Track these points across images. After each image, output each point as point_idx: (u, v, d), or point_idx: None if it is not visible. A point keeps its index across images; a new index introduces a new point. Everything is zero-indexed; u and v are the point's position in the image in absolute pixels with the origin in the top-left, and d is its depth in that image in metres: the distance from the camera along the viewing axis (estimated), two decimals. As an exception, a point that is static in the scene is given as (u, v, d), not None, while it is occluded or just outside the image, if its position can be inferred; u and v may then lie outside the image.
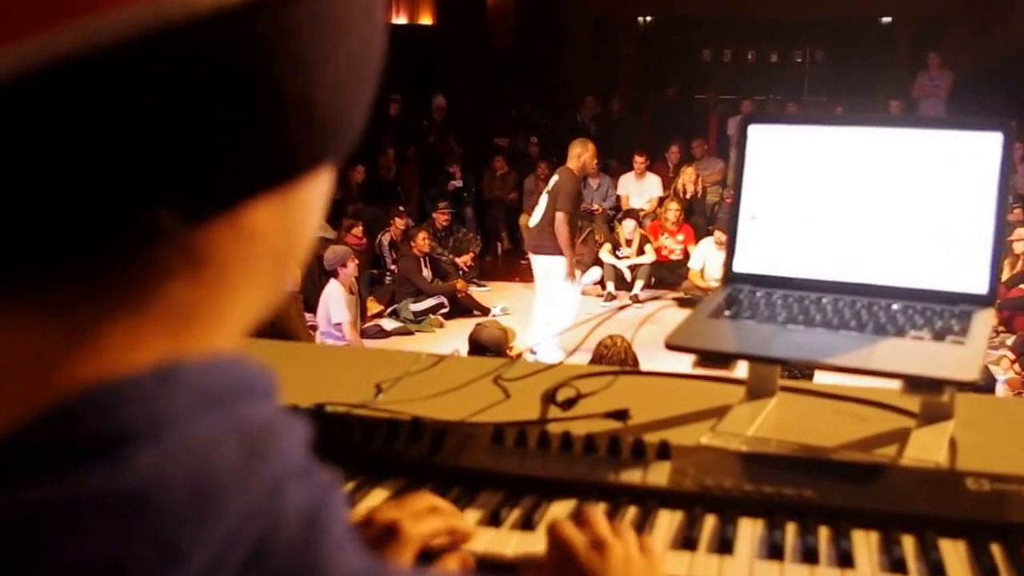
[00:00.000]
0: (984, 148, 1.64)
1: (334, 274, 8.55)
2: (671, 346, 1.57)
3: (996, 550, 1.26)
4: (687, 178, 12.80)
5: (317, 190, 0.57)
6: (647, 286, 11.31)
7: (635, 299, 10.82)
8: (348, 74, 0.54)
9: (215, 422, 0.48)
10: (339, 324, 8.40)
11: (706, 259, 10.77)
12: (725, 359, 1.56)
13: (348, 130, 0.56)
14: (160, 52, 0.46)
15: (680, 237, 11.66)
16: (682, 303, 9.60)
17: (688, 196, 12.68)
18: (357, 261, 9.32)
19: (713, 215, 12.57)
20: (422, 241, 10.76)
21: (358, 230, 11.06)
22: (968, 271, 1.64)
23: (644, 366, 5.51)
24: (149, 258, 0.50)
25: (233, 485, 0.47)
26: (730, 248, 1.80)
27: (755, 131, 1.79)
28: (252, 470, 0.48)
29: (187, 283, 0.51)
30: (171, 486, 0.45)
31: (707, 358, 1.56)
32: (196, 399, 0.48)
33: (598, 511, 1.19)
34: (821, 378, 2.88)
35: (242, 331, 0.55)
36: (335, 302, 8.41)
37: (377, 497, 1.43)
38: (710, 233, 11.11)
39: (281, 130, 0.51)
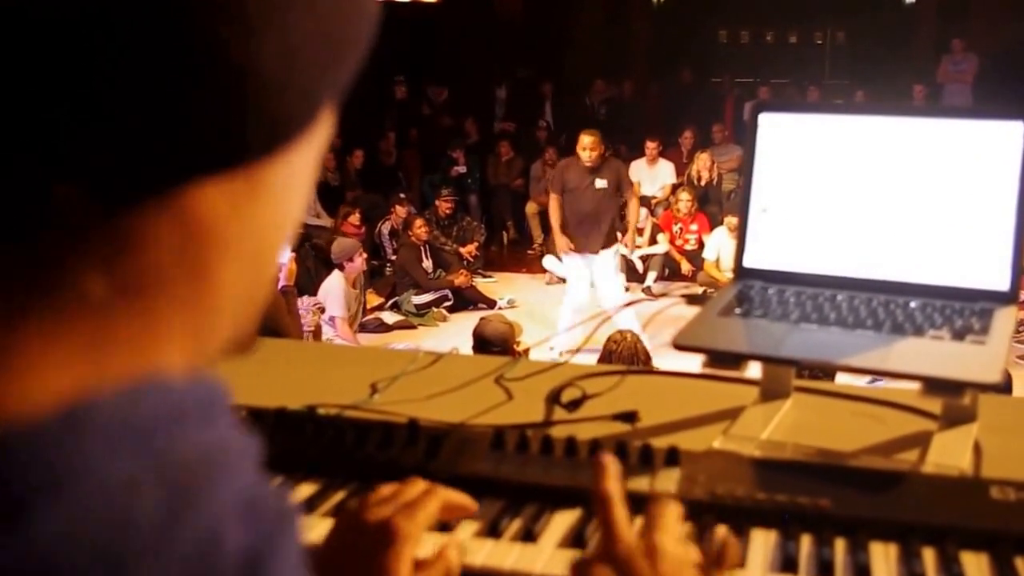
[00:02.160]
0: (1005, 138, 1.62)
1: (339, 267, 8.50)
2: (679, 346, 1.56)
3: (1021, 564, 1.24)
4: (701, 164, 12.77)
5: (287, 177, 0.51)
6: (660, 277, 11.29)
7: (648, 291, 10.82)
8: (299, 45, 0.48)
9: (134, 465, 0.43)
10: (333, 318, 8.38)
11: (720, 248, 10.74)
12: (736, 360, 1.54)
13: (313, 112, 0.51)
14: (73, 3, 0.42)
15: (694, 227, 11.63)
16: (691, 300, 9.62)
17: (703, 183, 12.65)
18: (365, 255, 9.30)
19: (729, 203, 12.54)
20: (419, 229, 10.75)
21: (355, 218, 11.05)
22: (989, 267, 1.62)
23: (656, 363, 5.51)
24: (59, 247, 0.45)
25: (153, 543, 0.42)
26: (740, 242, 1.78)
27: (766, 119, 1.78)
28: (178, 520, 0.43)
29: (109, 278, 0.45)
30: (76, 555, 0.40)
31: (717, 359, 1.55)
32: (109, 440, 0.43)
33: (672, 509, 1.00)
34: (842, 377, 2.86)
35: (197, 344, 0.50)
36: (334, 296, 8.40)
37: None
38: (723, 222, 11.07)
39: (222, 103, 0.45)
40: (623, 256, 11.13)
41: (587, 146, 8.79)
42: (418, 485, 1.14)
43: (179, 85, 0.44)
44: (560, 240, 9.13)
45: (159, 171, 0.46)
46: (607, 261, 9.08)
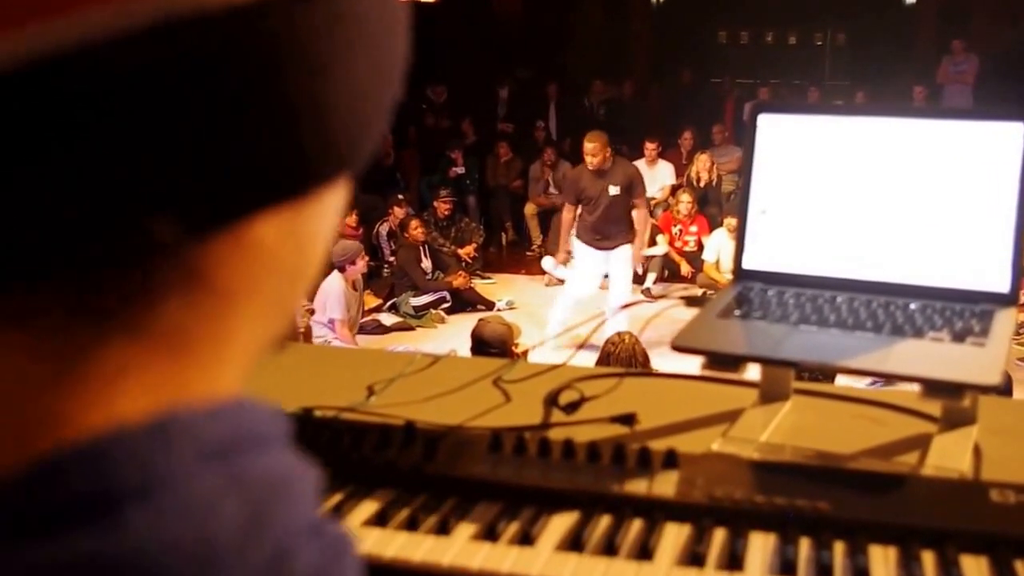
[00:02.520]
0: (1005, 139, 1.62)
1: (340, 269, 8.47)
2: (677, 347, 1.56)
3: (1021, 567, 1.24)
4: (701, 165, 12.77)
5: (332, 204, 0.55)
6: (660, 279, 11.29)
7: (647, 293, 10.82)
8: (368, 79, 0.52)
9: (215, 479, 0.46)
10: (333, 321, 8.36)
11: (720, 250, 10.74)
12: (735, 362, 1.54)
13: (367, 140, 0.54)
14: (163, 48, 0.44)
15: (694, 228, 11.63)
16: (689, 302, 9.63)
17: (702, 185, 12.65)
18: (367, 258, 9.29)
19: (729, 205, 12.54)
20: (415, 229, 10.74)
21: (352, 219, 11.04)
22: (989, 268, 1.62)
23: (655, 365, 5.51)
24: (146, 275, 0.47)
25: (234, 552, 0.44)
26: (739, 244, 1.79)
27: (765, 120, 1.78)
28: (255, 534, 0.45)
29: (187, 304, 0.49)
30: (166, 554, 0.43)
31: (716, 361, 1.55)
32: (195, 453, 0.46)
33: None
34: (841, 379, 2.87)
35: (248, 360, 0.53)
36: (334, 297, 8.36)
37: (367, 508, 1.42)
38: (723, 223, 11.06)
39: (293, 139, 0.49)
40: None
41: (590, 152, 8.80)
42: None
43: (256, 124, 0.47)
44: (561, 254, 9.20)
45: (237, 202, 0.48)
46: (624, 255, 9.14)
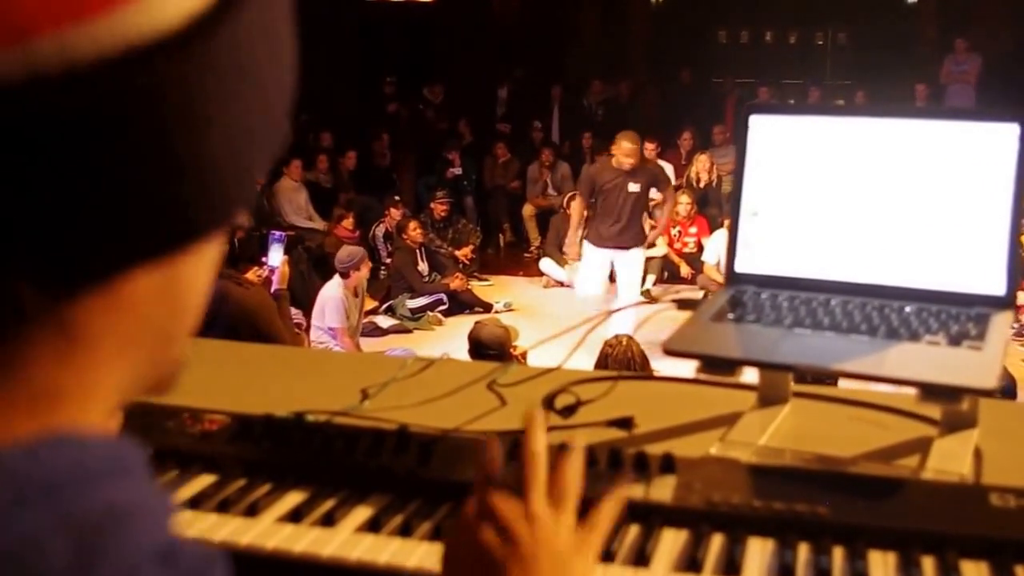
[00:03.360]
0: (1000, 140, 1.62)
1: (344, 275, 8.41)
2: (670, 351, 1.56)
3: (1022, 572, 1.24)
4: (701, 166, 12.76)
5: (206, 257, 0.54)
6: (659, 281, 11.29)
7: (647, 295, 10.81)
8: (253, 123, 0.50)
9: (40, 519, 0.43)
10: (334, 329, 8.32)
11: (720, 251, 10.72)
12: (729, 365, 1.54)
13: (248, 188, 0.52)
14: (25, 105, 0.42)
15: (693, 229, 11.63)
16: (681, 305, 9.61)
17: (702, 185, 12.65)
18: (371, 264, 9.25)
19: (729, 205, 12.51)
20: (414, 231, 10.72)
21: (349, 221, 11.02)
22: (985, 271, 1.62)
23: (655, 367, 5.50)
24: (11, 337, 0.46)
25: None
26: (732, 247, 1.78)
27: (757, 121, 1.78)
28: (87, 570, 0.43)
29: (54, 360, 0.47)
30: None
31: (710, 364, 1.55)
32: (16, 494, 0.43)
33: (500, 495, 1.04)
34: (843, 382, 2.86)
35: (115, 405, 0.52)
36: (334, 305, 8.29)
37: (361, 514, 1.42)
38: (723, 224, 11.06)
39: (170, 195, 0.47)
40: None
41: (627, 152, 8.77)
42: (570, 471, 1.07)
43: (129, 182, 0.46)
44: (572, 248, 9.38)
45: (108, 262, 0.47)
46: (634, 259, 9.20)
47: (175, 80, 0.46)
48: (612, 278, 10.50)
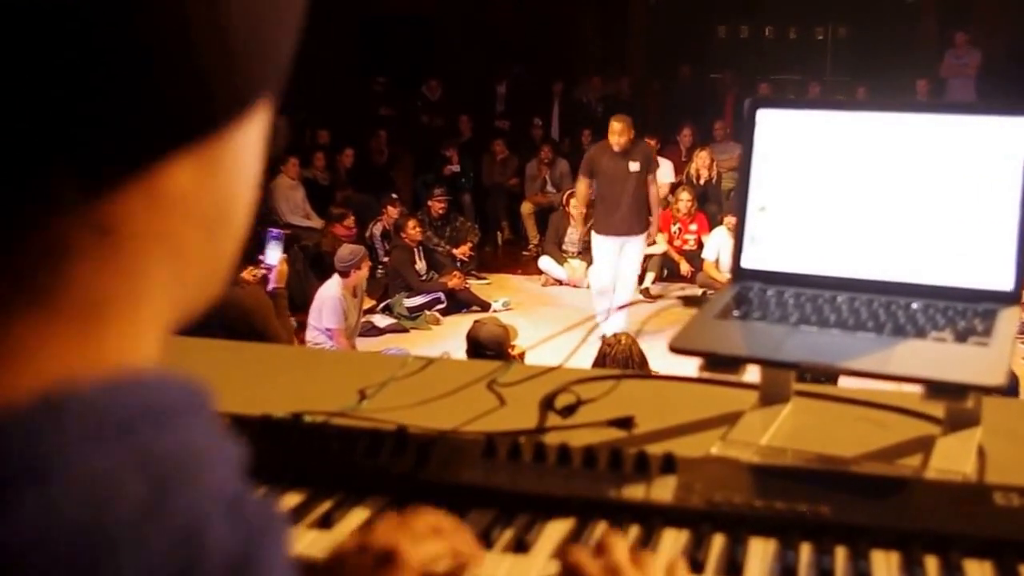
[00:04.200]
0: (1009, 134, 1.62)
1: (344, 274, 8.39)
2: (675, 349, 1.55)
3: (1026, 572, 1.24)
4: (701, 163, 12.76)
5: (249, 139, 0.52)
6: (658, 279, 11.29)
7: (646, 293, 10.82)
8: (269, 8, 0.49)
9: (116, 457, 0.43)
10: (331, 330, 8.30)
11: (720, 248, 10.73)
12: (734, 363, 1.54)
13: (274, 64, 0.51)
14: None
15: (693, 227, 11.63)
16: (687, 302, 9.68)
17: (702, 182, 12.65)
18: (371, 263, 9.23)
19: (729, 202, 12.50)
20: (413, 229, 10.70)
21: (349, 220, 11.00)
22: (992, 266, 1.62)
23: (653, 366, 5.50)
24: (48, 237, 0.45)
25: (134, 535, 0.42)
26: (738, 243, 1.78)
27: (764, 116, 1.77)
28: (160, 510, 0.43)
29: (97, 265, 0.46)
30: (58, 539, 0.41)
31: (715, 362, 1.54)
32: (91, 430, 0.43)
33: (620, 539, 1.12)
34: (843, 381, 2.86)
35: (168, 321, 0.50)
36: (331, 305, 8.26)
37: (358, 516, 1.42)
38: (722, 221, 11.05)
39: (193, 71, 0.46)
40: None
41: (617, 131, 9.01)
42: (429, 519, 1.19)
43: (150, 59, 0.45)
44: (580, 208, 9.72)
45: (139, 149, 0.46)
46: (636, 246, 9.33)
47: None
48: (641, 279, 10.58)
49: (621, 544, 1.10)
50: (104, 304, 0.47)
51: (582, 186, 9.56)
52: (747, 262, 1.77)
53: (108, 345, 0.47)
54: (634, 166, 9.04)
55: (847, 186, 1.71)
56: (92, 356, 0.46)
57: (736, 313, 1.66)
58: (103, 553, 0.41)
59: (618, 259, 9.38)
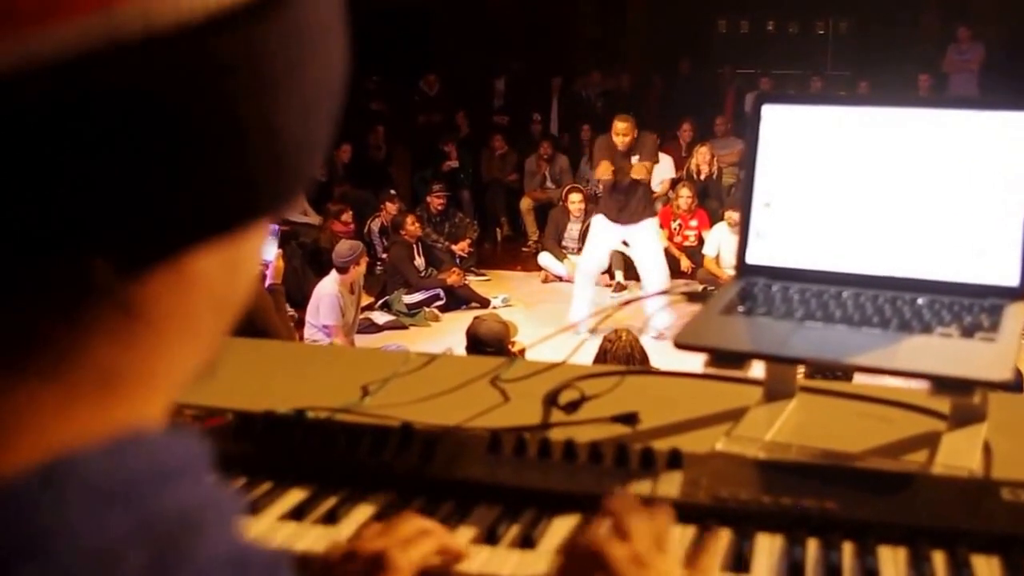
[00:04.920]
0: (1015, 129, 1.62)
1: (343, 270, 8.37)
2: (680, 345, 1.56)
3: (1033, 567, 1.24)
4: (701, 158, 12.74)
5: (264, 231, 0.53)
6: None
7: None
8: (316, 99, 0.50)
9: (118, 525, 0.43)
10: (328, 327, 8.29)
11: (721, 244, 10.74)
12: (739, 359, 1.54)
13: (315, 162, 0.52)
14: (106, 73, 0.41)
15: (694, 223, 11.62)
16: (691, 298, 9.70)
17: (702, 178, 12.63)
18: (368, 259, 9.22)
19: (730, 198, 12.48)
20: (412, 226, 10.70)
21: (347, 216, 10.98)
22: (998, 262, 1.62)
23: (655, 362, 5.51)
24: (76, 316, 0.45)
25: None
26: (743, 239, 1.78)
27: (770, 111, 1.77)
28: None
29: (118, 342, 0.47)
30: None
31: (720, 358, 1.55)
32: (93, 498, 0.43)
33: (644, 523, 1.12)
34: (858, 378, 2.86)
35: (175, 389, 0.51)
36: (329, 302, 8.25)
37: (363, 512, 1.42)
38: (723, 217, 11.04)
39: (244, 167, 0.47)
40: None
41: (621, 131, 9.11)
42: (415, 522, 1.21)
43: (205, 153, 0.45)
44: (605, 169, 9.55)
45: (179, 237, 0.47)
46: (648, 231, 9.39)
47: (252, 46, 0.45)
48: (611, 274, 10.59)
49: (645, 528, 1.11)
50: (118, 379, 0.47)
51: (607, 170, 9.36)
52: (752, 258, 1.78)
53: (117, 416, 0.47)
54: (635, 158, 9.11)
55: (853, 181, 1.71)
56: (99, 428, 0.46)
57: (741, 309, 1.66)
58: None
59: (612, 247, 9.65)
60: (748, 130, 1.81)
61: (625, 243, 9.67)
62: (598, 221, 9.51)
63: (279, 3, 0.46)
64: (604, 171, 9.41)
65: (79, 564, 0.41)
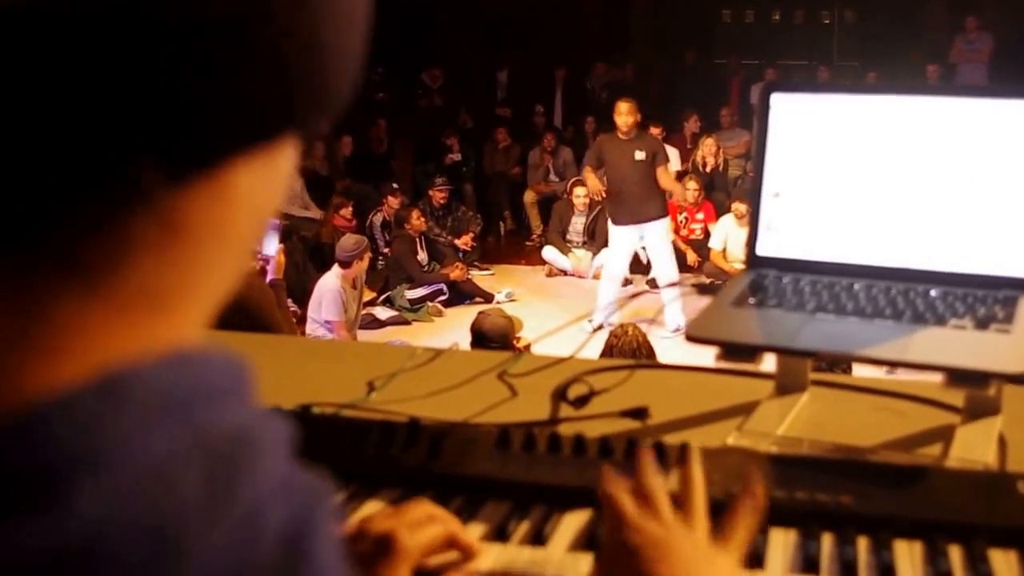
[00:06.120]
0: (1030, 118, 1.62)
1: (346, 265, 8.36)
2: (691, 338, 1.56)
3: (1052, 561, 1.24)
4: (707, 150, 12.72)
5: (294, 146, 0.54)
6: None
7: (653, 284, 10.81)
8: (351, 8, 0.51)
9: (174, 439, 0.43)
10: (330, 322, 8.28)
11: (727, 237, 10.73)
12: (751, 352, 1.54)
13: (349, 79, 0.53)
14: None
15: (700, 216, 11.60)
16: (702, 290, 9.73)
17: (708, 170, 12.61)
18: (371, 254, 9.22)
19: (736, 190, 12.46)
20: (417, 220, 10.70)
21: (347, 211, 10.97)
22: (1012, 253, 1.62)
23: (669, 358, 5.51)
24: (122, 226, 0.46)
25: (199, 520, 0.43)
26: (753, 230, 1.78)
27: (779, 100, 1.77)
28: (222, 505, 0.44)
29: (159, 257, 0.47)
30: (124, 533, 0.40)
31: (731, 351, 1.54)
32: (149, 412, 0.43)
33: (659, 486, 1.12)
34: (860, 370, 2.87)
35: (212, 306, 0.52)
36: (331, 297, 8.23)
37: (370, 509, 1.42)
38: (730, 209, 11.02)
39: (284, 76, 0.47)
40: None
41: (624, 112, 9.20)
42: (425, 507, 1.22)
43: (248, 58, 0.46)
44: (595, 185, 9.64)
45: (220, 147, 0.47)
46: (659, 231, 9.43)
47: None
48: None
49: (663, 495, 1.11)
50: (160, 295, 0.47)
51: (591, 179, 9.58)
52: (762, 249, 1.77)
53: (160, 333, 0.47)
54: (640, 155, 9.13)
55: (864, 171, 1.71)
56: (144, 343, 0.46)
57: (752, 301, 1.66)
58: (165, 548, 0.41)
59: (635, 248, 9.69)
60: (757, 120, 1.80)
61: (641, 238, 9.70)
62: (612, 229, 9.59)
63: None
64: (595, 187, 9.47)
65: (137, 478, 0.42)
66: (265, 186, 0.51)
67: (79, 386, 0.43)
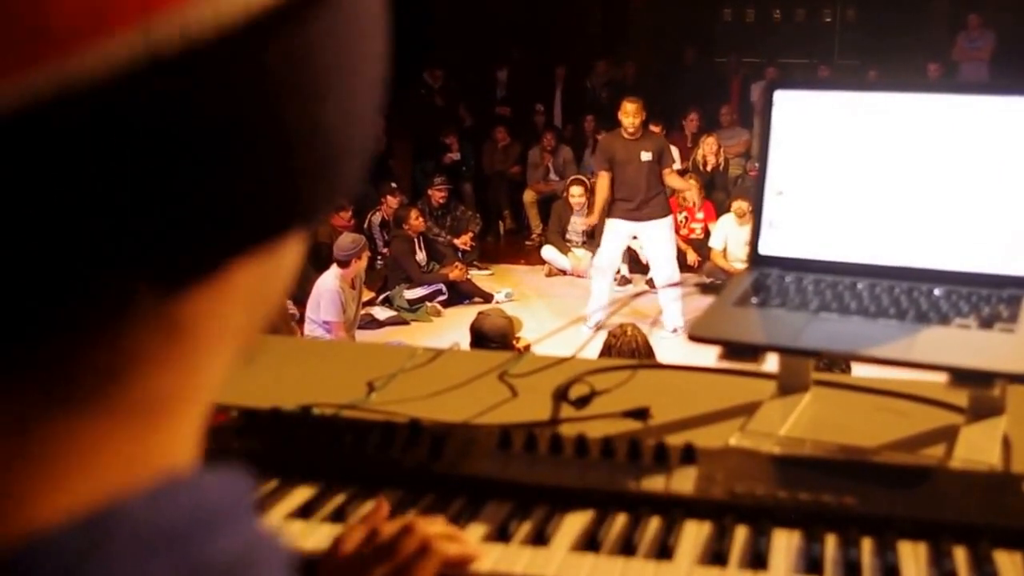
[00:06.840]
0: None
1: (344, 264, 8.35)
2: (694, 337, 1.56)
3: (1057, 562, 1.24)
4: (708, 149, 12.70)
5: (302, 239, 0.52)
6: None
7: (651, 283, 10.80)
8: (360, 105, 0.49)
9: (166, 573, 0.42)
10: (329, 323, 8.27)
11: (727, 236, 10.72)
12: (754, 352, 1.54)
13: (357, 171, 0.51)
14: (147, 91, 0.40)
15: (700, 215, 11.60)
16: (704, 289, 9.74)
17: (709, 169, 12.60)
18: (369, 253, 9.21)
19: (737, 189, 12.44)
20: (415, 220, 10.68)
21: (346, 212, 10.97)
22: (1016, 251, 1.62)
23: (669, 358, 5.51)
24: (118, 338, 0.44)
25: None
26: (756, 228, 1.78)
27: (782, 97, 1.77)
28: None
29: (161, 364, 0.45)
30: None
31: (734, 351, 1.54)
32: (140, 550, 0.41)
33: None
34: (859, 370, 2.86)
35: (212, 401, 0.50)
36: (330, 298, 8.20)
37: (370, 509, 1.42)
38: (730, 208, 11.01)
39: (289, 175, 0.45)
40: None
41: (631, 112, 9.14)
42: (416, 538, 1.24)
43: (251, 165, 0.44)
44: (595, 215, 9.76)
45: (223, 251, 0.45)
46: (661, 230, 9.40)
47: (294, 49, 0.43)
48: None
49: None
50: (160, 401, 0.46)
51: (602, 181, 9.49)
52: (765, 248, 1.77)
53: (160, 443, 0.46)
54: (645, 155, 9.13)
55: (867, 169, 1.71)
56: (143, 458, 0.45)
57: (755, 300, 1.66)
58: None
59: (627, 243, 9.70)
60: (760, 118, 1.80)
61: (634, 237, 9.70)
62: (608, 222, 9.55)
63: (322, 1, 0.45)
64: (604, 185, 9.46)
65: None
66: (269, 282, 0.50)
67: (66, 524, 0.41)
